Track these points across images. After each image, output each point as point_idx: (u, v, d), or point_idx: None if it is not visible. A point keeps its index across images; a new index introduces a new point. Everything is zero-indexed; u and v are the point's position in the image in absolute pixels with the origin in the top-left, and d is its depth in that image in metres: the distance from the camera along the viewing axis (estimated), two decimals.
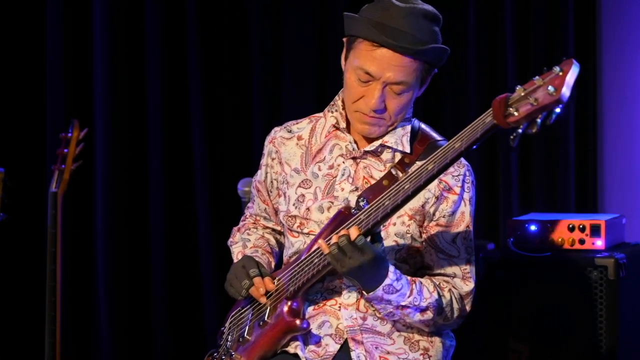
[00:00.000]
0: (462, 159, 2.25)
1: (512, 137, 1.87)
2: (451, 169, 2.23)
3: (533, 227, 3.29)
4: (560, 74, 1.83)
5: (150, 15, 4.21)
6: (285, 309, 2.22)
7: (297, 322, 2.21)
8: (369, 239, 2.10)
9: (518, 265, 3.28)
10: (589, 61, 4.13)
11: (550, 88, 1.81)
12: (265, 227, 2.52)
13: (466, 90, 4.17)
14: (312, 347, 2.27)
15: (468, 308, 2.35)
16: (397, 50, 2.18)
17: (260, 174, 2.46)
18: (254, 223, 2.54)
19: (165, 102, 4.26)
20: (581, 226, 3.25)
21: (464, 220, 2.29)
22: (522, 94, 1.85)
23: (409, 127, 2.33)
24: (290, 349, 2.28)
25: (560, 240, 3.26)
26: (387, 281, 2.15)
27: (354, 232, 2.07)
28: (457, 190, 2.27)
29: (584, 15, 4.13)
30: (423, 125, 2.37)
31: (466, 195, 2.28)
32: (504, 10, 4.12)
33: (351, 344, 2.26)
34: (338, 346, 2.27)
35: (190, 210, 4.28)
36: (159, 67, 4.23)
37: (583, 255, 3.21)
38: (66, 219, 3.36)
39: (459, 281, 2.32)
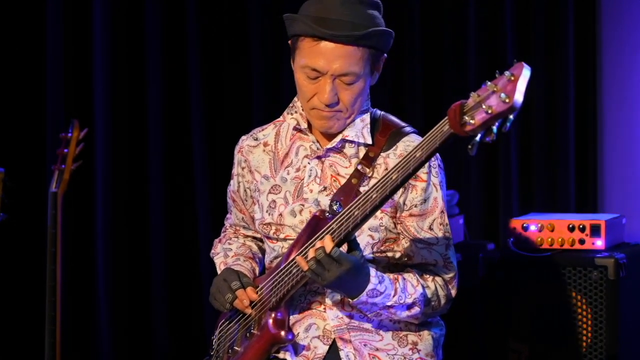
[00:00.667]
0: None
1: (470, 146, 1.85)
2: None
3: (533, 227, 3.30)
4: (512, 79, 1.81)
5: (150, 15, 4.21)
6: (270, 321, 2.23)
7: (282, 333, 2.22)
8: (345, 247, 2.11)
9: (518, 265, 3.28)
10: (589, 61, 4.13)
11: (503, 95, 1.80)
12: (246, 236, 2.53)
13: (466, 91, 4.17)
14: (301, 351, 2.28)
15: (454, 292, 2.34)
16: (338, 41, 2.17)
17: (233, 184, 2.46)
18: (234, 233, 2.54)
19: (165, 102, 4.25)
20: (581, 226, 3.26)
21: (437, 205, 2.28)
22: (477, 100, 1.84)
23: (367, 118, 2.31)
24: (280, 355, 2.28)
25: (560, 240, 3.26)
26: (370, 286, 2.15)
27: (328, 244, 2.07)
28: (424, 177, 2.26)
29: (584, 15, 4.12)
30: (385, 114, 2.35)
31: (435, 180, 2.27)
32: (503, 10, 4.12)
33: (339, 344, 2.26)
34: (327, 347, 2.27)
35: (190, 210, 4.28)
36: (159, 67, 4.23)
37: (583, 255, 3.22)
38: (66, 219, 3.36)
39: (441, 267, 2.31)
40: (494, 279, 3.30)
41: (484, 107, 1.82)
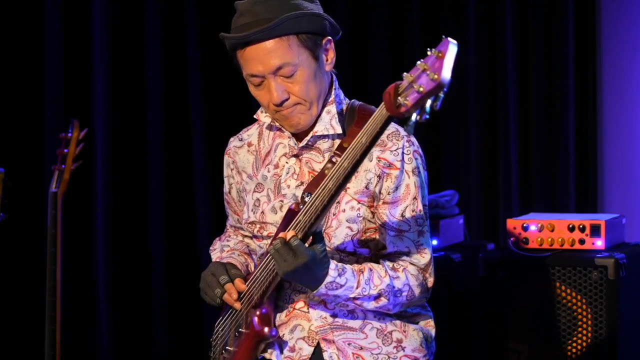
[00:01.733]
0: (401, 131, 2.24)
1: (405, 126, 1.87)
2: (389, 144, 2.23)
3: (533, 227, 3.29)
4: (439, 55, 1.83)
5: (150, 15, 4.21)
6: (256, 318, 2.24)
7: (266, 330, 2.23)
8: (310, 240, 2.11)
9: (518, 265, 3.28)
10: (589, 61, 4.13)
11: (430, 73, 1.81)
12: (245, 236, 2.54)
13: (467, 99, 4.18)
14: (287, 352, 2.28)
15: (431, 280, 2.32)
16: (254, 41, 2.19)
17: (225, 186, 2.47)
18: (234, 232, 2.56)
19: (165, 102, 4.26)
20: (581, 226, 3.25)
21: (409, 192, 2.27)
22: (410, 80, 1.85)
23: (333, 109, 2.30)
24: (267, 355, 2.29)
25: (560, 240, 3.26)
26: (328, 279, 2.15)
27: (289, 235, 2.09)
28: (398, 164, 2.25)
29: (584, 15, 4.13)
30: (363, 105, 2.33)
31: (407, 167, 2.26)
32: (504, 10, 4.12)
33: (323, 345, 2.26)
34: (312, 349, 2.27)
35: (190, 210, 4.28)
36: (159, 67, 4.23)
37: (583, 255, 3.22)
38: (66, 219, 3.36)
39: (415, 255, 2.30)
40: (494, 279, 3.29)
41: (415, 86, 1.84)
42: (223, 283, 2.27)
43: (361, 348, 2.26)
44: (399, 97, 1.87)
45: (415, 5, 4.15)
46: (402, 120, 1.91)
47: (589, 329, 3.18)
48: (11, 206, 3.14)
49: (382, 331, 2.29)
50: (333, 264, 2.17)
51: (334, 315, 2.27)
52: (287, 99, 2.23)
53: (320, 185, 2.09)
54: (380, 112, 1.96)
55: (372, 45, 4.26)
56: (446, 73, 1.82)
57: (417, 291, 2.28)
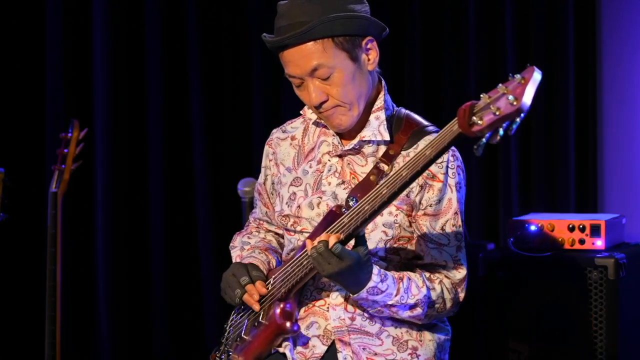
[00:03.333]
0: None
1: (475, 147, 1.86)
2: None
3: (533, 227, 3.29)
4: (522, 82, 1.82)
5: (150, 15, 4.21)
6: (278, 311, 2.24)
7: (288, 324, 2.22)
8: (353, 242, 2.11)
9: (518, 265, 3.28)
10: (589, 61, 4.13)
11: (511, 97, 1.80)
12: (268, 231, 2.53)
13: (466, 99, 4.17)
14: (300, 348, 2.28)
15: (462, 295, 2.33)
16: (290, 45, 2.20)
17: (261, 177, 2.48)
18: (257, 227, 2.54)
19: (165, 102, 4.25)
20: (581, 226, 3.25)
21: (451, 207, 2.28)
22: (487, 102, 1.84)
23: (382, 115, 2.31)
24: (281, 349, 2.29)
25: (560, 240, 3.26)
26: (371, 284, 2.15)
27: (332, 239, 2.09)
28: (441, 177, 2.26)
29: (584, 15, 4.12)
30: (409, 113, 2.35)
31: (451, 181, 2.27)
32: (504, 10, 4.12)
33: (338, 345, 2.26)
34: (325, 347, 2.27)
35: (190, 210, 4.28)
36: (159, 67, 4.23)
37: (583, 255, 3.21)
38: (66, 219, 3.36)
39: (451, 269, 2.31)
40: (494, 279, 3.29)
41: (492, 108, 1.83)
42: (244, 284, 2.27)
43: (376, 354, 2.26)
44: (474, 117, 1.86)
45: (416, 2, 4.15)
46: (473, 140, 1.89)
47: (589, 329, 3.18)
48: (11, 206, 3.15)
49: (397, 339, 2.28)
50: (376, 269, 2.17)
51: (352, 318, 2.26)
52: (325, 101, 2.24)
53: (373, 190, 2.09)
54: (450, 127, 1.95)
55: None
56: (527, 99, 1.80)
57: (449, 305, 2.29)
